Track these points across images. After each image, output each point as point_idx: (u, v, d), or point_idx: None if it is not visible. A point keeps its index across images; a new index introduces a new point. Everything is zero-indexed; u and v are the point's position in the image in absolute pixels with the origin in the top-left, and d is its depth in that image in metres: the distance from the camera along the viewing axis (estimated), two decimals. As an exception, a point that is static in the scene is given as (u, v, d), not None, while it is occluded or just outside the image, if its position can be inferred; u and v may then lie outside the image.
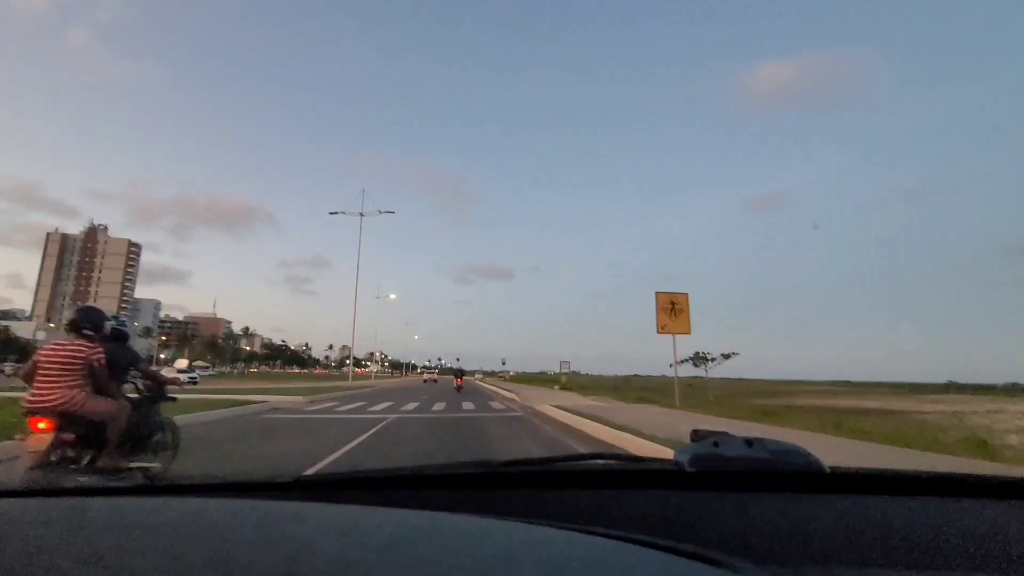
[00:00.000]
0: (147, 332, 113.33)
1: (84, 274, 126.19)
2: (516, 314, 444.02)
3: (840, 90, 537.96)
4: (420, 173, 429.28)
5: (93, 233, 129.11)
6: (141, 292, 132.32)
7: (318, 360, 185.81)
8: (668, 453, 0.76)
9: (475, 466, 0.90)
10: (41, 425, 2.97)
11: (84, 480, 0.94)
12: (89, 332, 3.36)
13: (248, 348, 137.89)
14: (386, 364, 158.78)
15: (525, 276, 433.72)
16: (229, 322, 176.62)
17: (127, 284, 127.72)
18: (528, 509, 0.77)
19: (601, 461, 0.96)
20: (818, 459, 0.80)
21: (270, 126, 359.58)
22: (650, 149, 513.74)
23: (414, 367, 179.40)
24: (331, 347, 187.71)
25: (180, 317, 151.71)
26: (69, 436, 3.05)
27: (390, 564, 0.47)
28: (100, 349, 3.32)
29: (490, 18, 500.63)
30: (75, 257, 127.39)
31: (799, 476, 0.80)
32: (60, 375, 3.10)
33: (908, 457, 5.98)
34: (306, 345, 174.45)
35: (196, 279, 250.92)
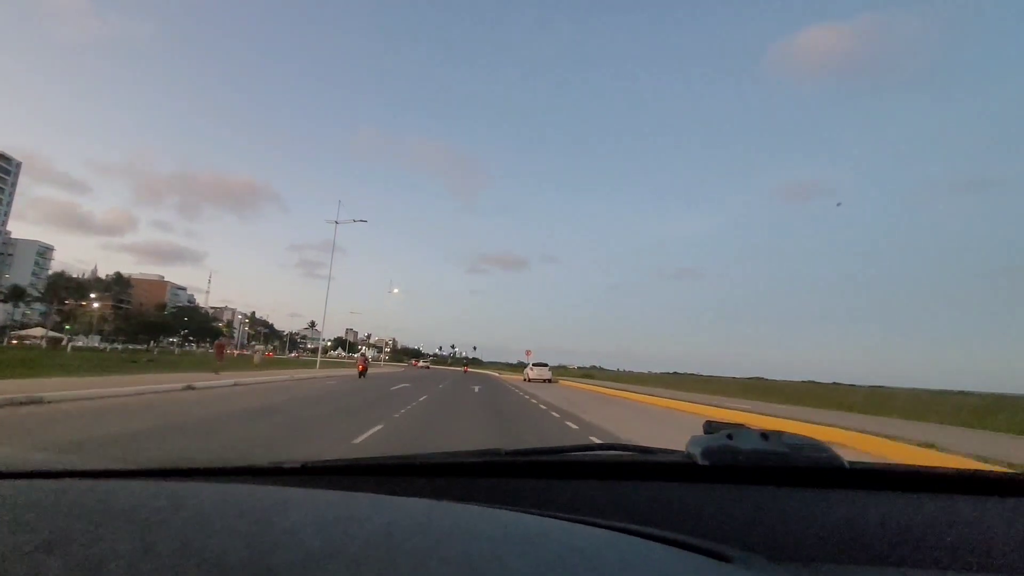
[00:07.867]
0: (14, 292, 71.99)
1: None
2: (534, 306, 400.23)
3: (884, 68, 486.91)
4: (432, 156, 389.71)
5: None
6: (149, 270, 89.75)
7: (297, 340, 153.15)
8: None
9: (483, 454, 0.88)
10: (359, 368, 27.45)
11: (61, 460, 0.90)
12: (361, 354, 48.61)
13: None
14: (385, 351, 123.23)
15: (541, 266, 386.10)
16: (183, 288, 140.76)
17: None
18: (536, 499, 0.75)
19: (612, 452, 0.94)
20: (837, 454, 0.78)
21: (276, 104, 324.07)
22: (673, 139, 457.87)
23: (418, 353, 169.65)
24: (312, 324, 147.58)
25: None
26: (362, 371, 27.00)
27: (374, 556, 0.45)
28: (367, 356, 35.30)
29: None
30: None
31: (816, 471, 0.77)
32: (362, 359, 29.82)
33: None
34: (254, 313, 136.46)
35: (201, 259, 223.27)
